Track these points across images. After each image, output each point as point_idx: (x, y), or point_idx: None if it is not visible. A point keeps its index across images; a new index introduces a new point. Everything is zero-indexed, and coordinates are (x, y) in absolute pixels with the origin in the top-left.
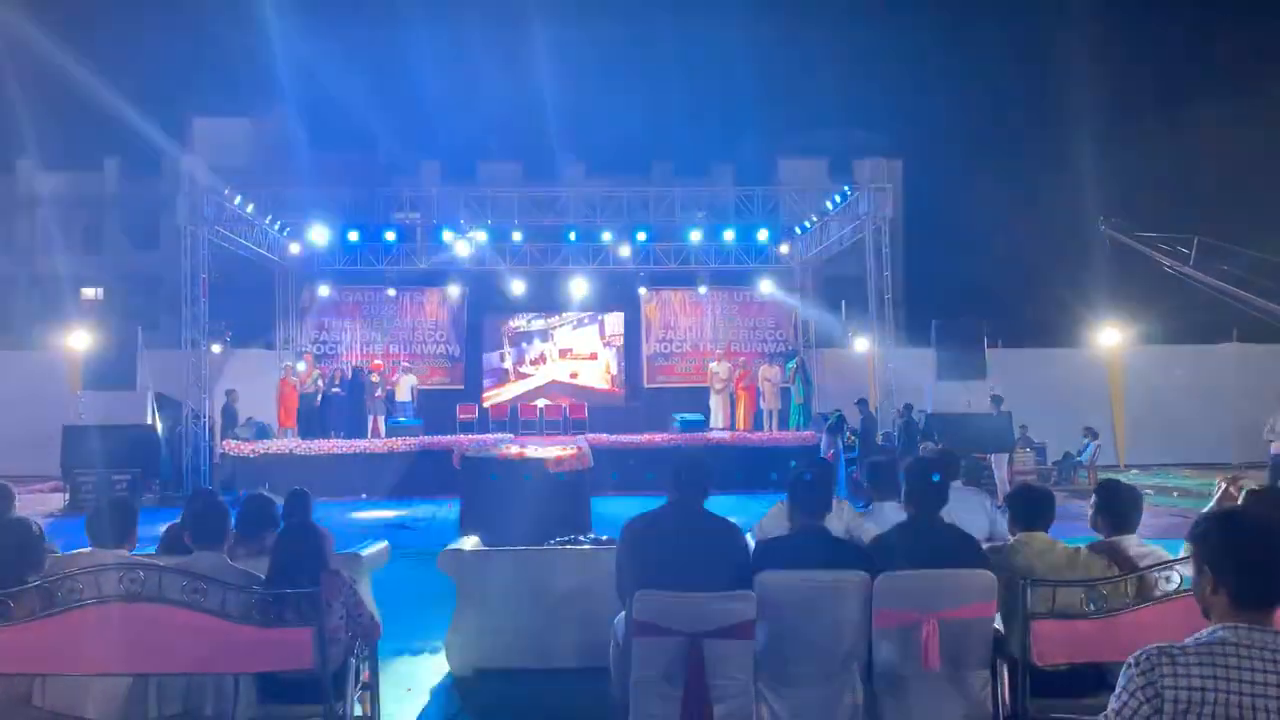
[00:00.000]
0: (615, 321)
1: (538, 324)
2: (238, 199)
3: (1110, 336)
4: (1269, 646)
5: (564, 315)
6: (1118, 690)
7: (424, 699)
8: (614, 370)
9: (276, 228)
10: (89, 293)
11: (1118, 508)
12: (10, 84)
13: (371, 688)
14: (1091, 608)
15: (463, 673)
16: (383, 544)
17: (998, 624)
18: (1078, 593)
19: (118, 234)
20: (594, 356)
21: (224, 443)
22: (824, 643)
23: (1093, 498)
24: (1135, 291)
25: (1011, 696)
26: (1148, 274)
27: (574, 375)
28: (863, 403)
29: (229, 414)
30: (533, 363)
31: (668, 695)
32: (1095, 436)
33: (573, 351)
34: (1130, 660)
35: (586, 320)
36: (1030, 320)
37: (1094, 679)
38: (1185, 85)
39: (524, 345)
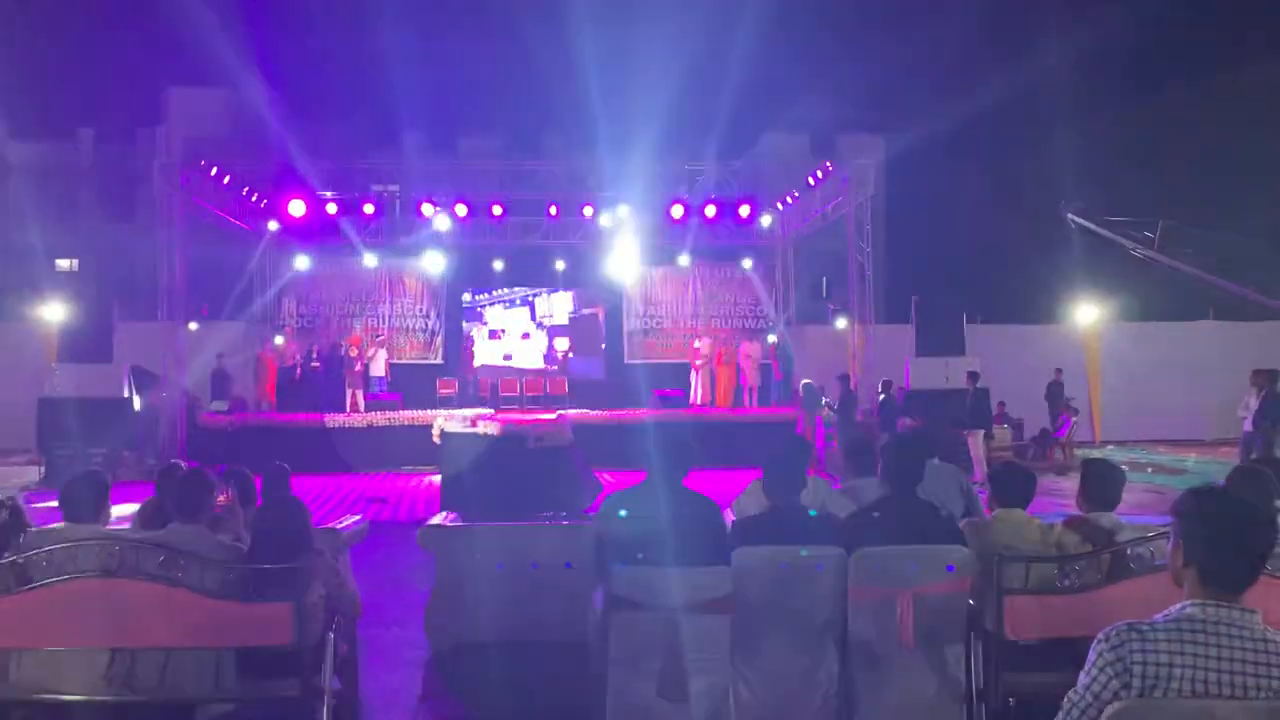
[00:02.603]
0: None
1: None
2: (214, 170)
3: (1088, 313)
4: (1235, 623)
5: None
6: (1087, 665)
7: (403, 673)
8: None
9: (254, 199)
10: (63, 264)
11: (1100, 484)
12: None
13: (350, 662)
14: (1065, 583)
15: (441, 647)
16: (361, 519)
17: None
18: (1052, 568)
19: (92, 204)
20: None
21: (202, 415)
22: (799, 618)
23: (1080, 475)
24: (1113, 269)
25: (985, 671)
26: (1124, 252)
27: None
28: (844, 378)
29: (220, 377)
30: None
31: (646, 669)
32: (1075, 413)
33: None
34: (1100, 636)
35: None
36: (1009, 297)
37: (1067, 654)
38: (1162, 64)
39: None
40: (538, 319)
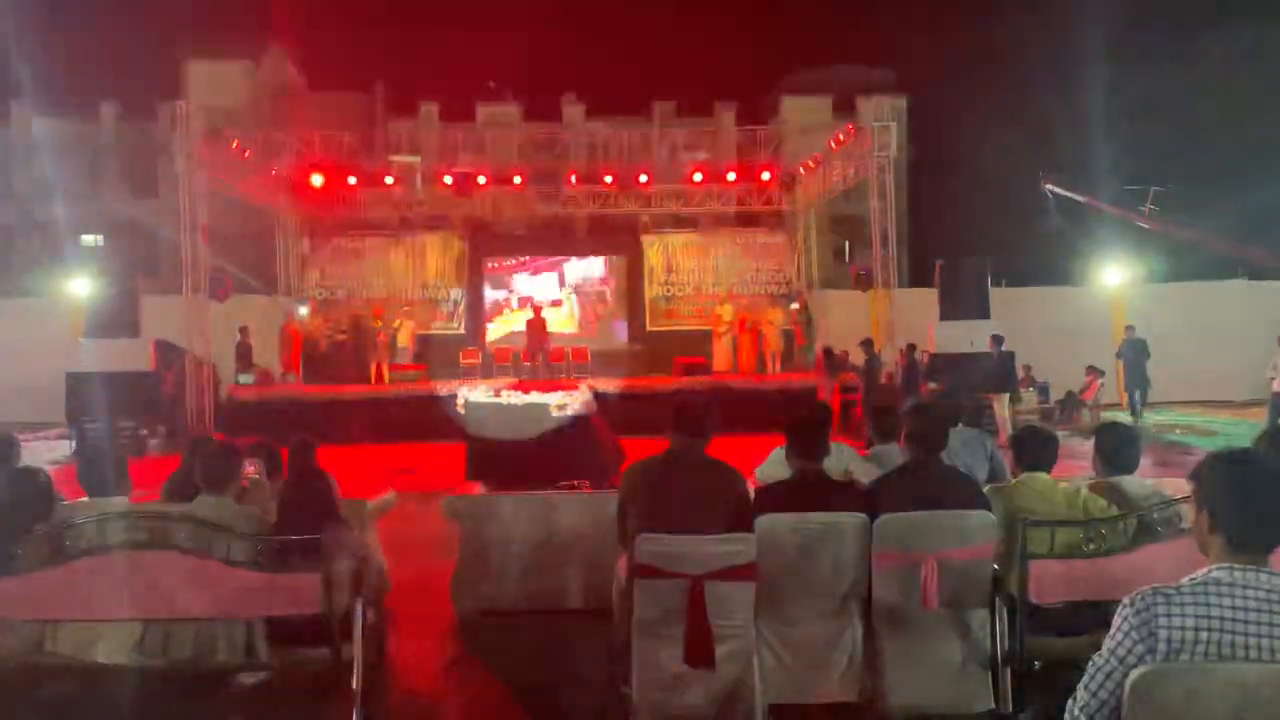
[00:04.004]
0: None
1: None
2: (235, 143)
3: (1115, 274)
4: (1263, 587)
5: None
6: (1112, 630)
7: (430, 641)
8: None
9: (274, 172)
10: (88, 239)
11: (1116, 448)
12: (4, 28)
13: (378, 631)
14: (1090, 547)
15: (468, 615)
16: (388, 492)
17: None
18: (1077, 532)
19: (116, 180)
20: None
21: (227, 388)
22: (823, 584)
23: (1093, 439)
24: (1140, 228)
25: (1010, 635)
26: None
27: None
28: (867, 343)
29: (245, 350)
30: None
31: (669, 636)
32: (1101, 375)
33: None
34: (1125, 601)
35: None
36: (1034, 259)
37: (1092, 618)
38: (1193, 17)
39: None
40: (565, 285)
